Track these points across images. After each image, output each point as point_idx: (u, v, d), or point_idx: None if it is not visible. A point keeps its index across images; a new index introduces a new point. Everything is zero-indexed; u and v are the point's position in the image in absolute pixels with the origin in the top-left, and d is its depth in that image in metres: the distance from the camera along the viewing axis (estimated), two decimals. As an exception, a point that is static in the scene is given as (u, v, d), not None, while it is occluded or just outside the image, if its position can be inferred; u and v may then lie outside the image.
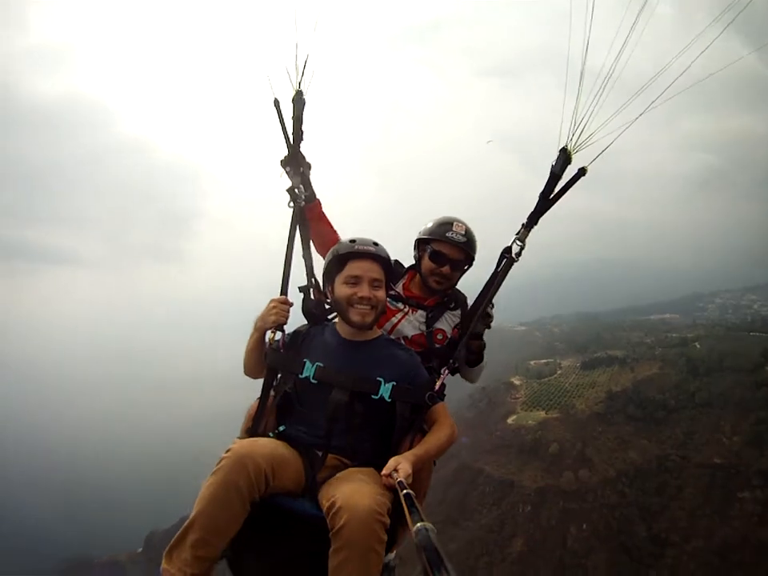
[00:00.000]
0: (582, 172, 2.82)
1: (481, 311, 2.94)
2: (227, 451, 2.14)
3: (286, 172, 3.01)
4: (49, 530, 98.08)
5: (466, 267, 3.25)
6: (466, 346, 2.91)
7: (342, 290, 2.58)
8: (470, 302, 3.22)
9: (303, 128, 3.00)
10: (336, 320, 2.79)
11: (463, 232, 3.12)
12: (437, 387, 2.63)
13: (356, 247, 2.57)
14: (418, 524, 1.35)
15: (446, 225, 3.13)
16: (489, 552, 48.82)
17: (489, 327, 3.09)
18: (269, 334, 2.71)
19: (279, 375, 2.70)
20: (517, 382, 77.21)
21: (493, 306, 3.02)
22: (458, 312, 3.23)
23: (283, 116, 2.95)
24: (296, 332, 2.80)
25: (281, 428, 2.56)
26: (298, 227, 2.95)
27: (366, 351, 2.65)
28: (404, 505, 1.63)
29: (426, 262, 3.15)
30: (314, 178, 3.05)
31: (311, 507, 2.23)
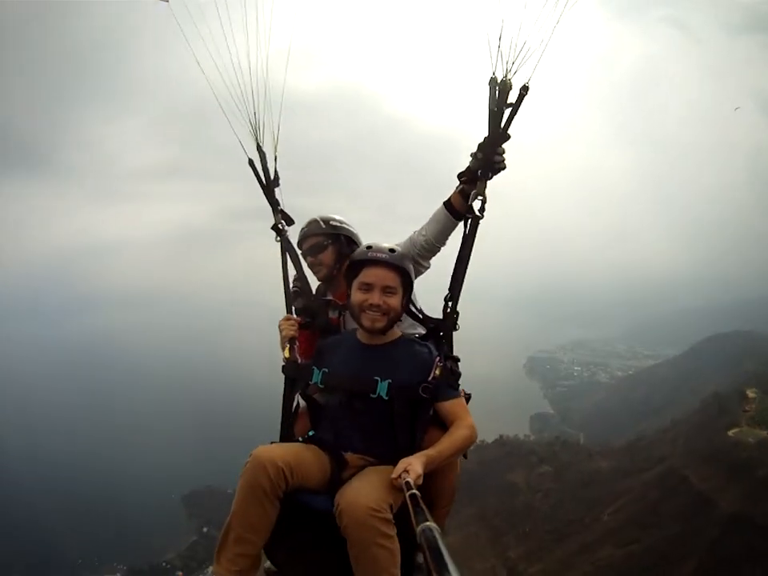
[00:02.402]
0: (524, 91, 2.64)
1: (458, 280, 2.84)
2: (249, 456, 2.33)
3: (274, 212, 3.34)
4: (175, 462, 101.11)
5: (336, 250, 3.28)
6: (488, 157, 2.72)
7: (355, 295, 2.65)
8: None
9: (277, 173, 3.33)
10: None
11: (317, 220, 3.32)
12: (430, 377, 2.56)
13: (369, 254, 2.62)
14: (423, 524, 1.36)
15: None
16: (658, 565, 45.76)
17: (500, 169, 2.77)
18: (285, 351, 2.92)
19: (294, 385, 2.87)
20: (751, 395, 64.47)
21: None
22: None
23: (258, 172, 3.30)
24: (318, 345, 2.97)
25: (310, 433, 2.72)
26: (288, 255, 3.28)
27: (379, 354, 2.69)
28: (409, 505, 1.66)
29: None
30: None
31: (329, 504, 2.31)
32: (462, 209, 2.87)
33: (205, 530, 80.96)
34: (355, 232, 3.36)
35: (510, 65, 2.60)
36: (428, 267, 3.16)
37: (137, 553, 72.52)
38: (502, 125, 2.70)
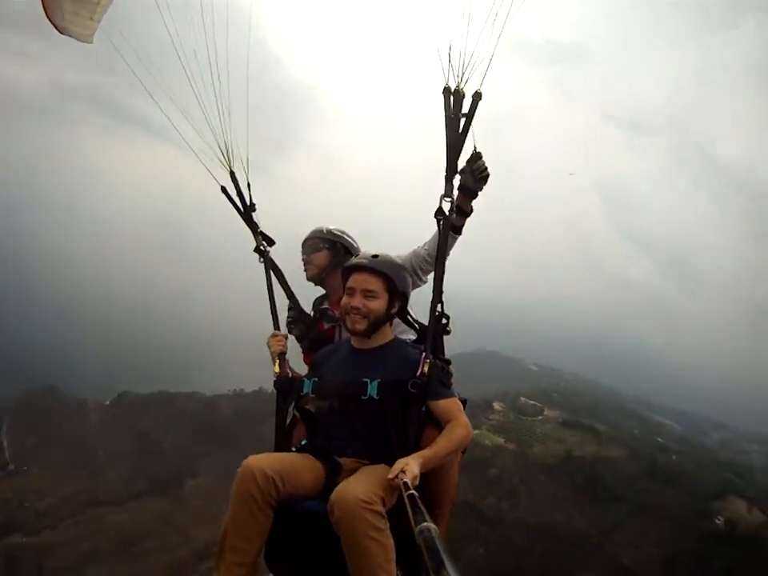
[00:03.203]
0: (477, 97, 2.71)
1: (437, 279, 2.78)
2: (239, 467, 2.30)
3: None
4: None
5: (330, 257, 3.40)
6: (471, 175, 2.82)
7: (342, 300, 2.67)
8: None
9: (253, 198, 3.29)
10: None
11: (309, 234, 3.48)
12: (418, 373, 2.52)
13: (353, 261, 2.69)
14: (421, 525, 1.37)
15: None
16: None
17: (483, 183, 2.89)
18: (276, 366, 2.91)
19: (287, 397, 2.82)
20: (498, 408, 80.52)
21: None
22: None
23: (233, 198, 3.27)
24: (313, 358, 2.94)
25: (302, 442, 2.70)
26: (272, 274, 3.27)
27: (370, 357, 2.67)
28: (408, 506, 1.63)
29: None
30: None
31: (324, 507, 2.24)
32: (458, 223, 2.98)
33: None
34: (355, 244, 3.47)
35: (461, 74, 2.68)
36: (426, 282, 3.23)
37: None
38: (460, 131, 2.75)
